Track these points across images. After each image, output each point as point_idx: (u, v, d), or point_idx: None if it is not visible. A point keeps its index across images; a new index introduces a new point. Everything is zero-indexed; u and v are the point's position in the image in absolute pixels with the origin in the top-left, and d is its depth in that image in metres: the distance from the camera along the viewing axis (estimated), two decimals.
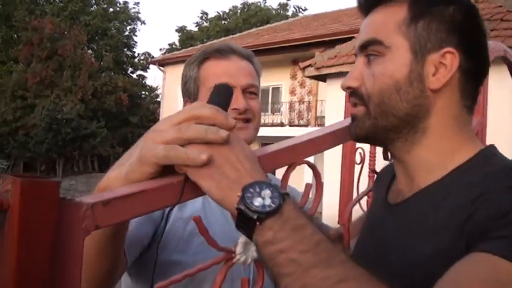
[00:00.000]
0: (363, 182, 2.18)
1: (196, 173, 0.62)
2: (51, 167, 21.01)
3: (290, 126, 17.96)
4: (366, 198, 2.00)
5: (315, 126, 17.39)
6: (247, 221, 0.60)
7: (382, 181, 1.04)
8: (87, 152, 21.58)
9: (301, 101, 19.76)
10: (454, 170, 0.84)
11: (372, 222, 1.02)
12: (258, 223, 0.60)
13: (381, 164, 1.50)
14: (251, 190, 0.61)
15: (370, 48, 0.86)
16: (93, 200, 0.54)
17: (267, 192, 0.61)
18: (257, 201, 0.60)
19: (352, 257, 0.62)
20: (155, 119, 27.34)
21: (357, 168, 2.45)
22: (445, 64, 0.82)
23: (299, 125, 17.92)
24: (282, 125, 17.97)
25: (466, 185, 0.78)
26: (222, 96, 0.75)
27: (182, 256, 1.16)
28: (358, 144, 2.68)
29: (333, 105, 10.77)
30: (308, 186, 0.86)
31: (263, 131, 17.41)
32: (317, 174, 0.88)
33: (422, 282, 0.68)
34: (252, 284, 0.98)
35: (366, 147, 2.49)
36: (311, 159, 0.91)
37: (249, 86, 1.30)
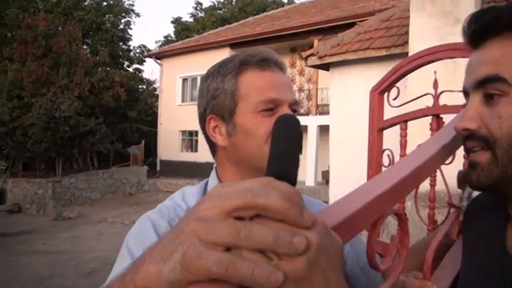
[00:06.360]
0: None
1: None
2: (50, 166, 20.73)
3: None
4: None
5: (316, 114, 17.21)
6: None
7: (481, 220, 0.85)
8: (86, 150, 21.33)
9: (300, 90, 19.57)
10: None
11: (482, 269, 0.81)
12: None
13: None
14: None
15: (491, 86, 0.76)
16: None
17: None
18: None
19: None
20: (153, 113, 27.16)
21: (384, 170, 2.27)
22: None
23: (300, 114, 17.73)
24: None
25: None
26: (289, 140, 0.51)
27: None
28: (385, 146, 2.46)
29: (337, 93, 10.63)
30: (395, 239, 0.63)
31: None
32: (404, 224, 0.65)
33: None
34: None
35: (395, 149, 2.27)
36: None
37: (294, 103, 1.14)
